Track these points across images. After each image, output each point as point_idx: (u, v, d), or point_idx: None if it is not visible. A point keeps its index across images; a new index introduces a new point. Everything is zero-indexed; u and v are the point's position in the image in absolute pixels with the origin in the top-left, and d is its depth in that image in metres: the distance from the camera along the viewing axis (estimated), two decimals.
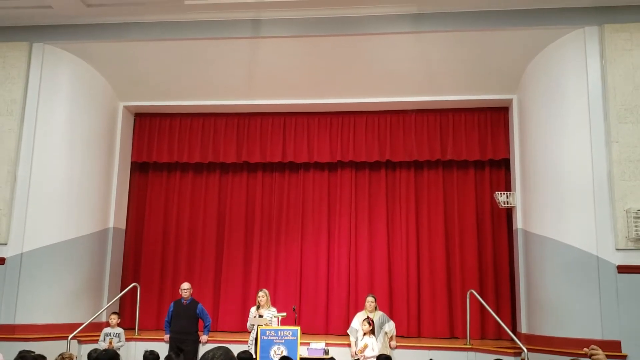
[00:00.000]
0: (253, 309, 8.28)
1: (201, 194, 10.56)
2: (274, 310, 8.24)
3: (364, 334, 7.84)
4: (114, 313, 8.64)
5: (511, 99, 9.31)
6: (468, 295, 8.80)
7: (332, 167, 10.37)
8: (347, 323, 8.85)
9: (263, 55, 9.06)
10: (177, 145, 10.36)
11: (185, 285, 8.69)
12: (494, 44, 8.57)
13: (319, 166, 10.36)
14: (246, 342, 8.17)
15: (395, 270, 9.89)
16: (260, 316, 8.05)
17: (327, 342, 8.50)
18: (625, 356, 7.34)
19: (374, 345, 7.72)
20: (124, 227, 10.32)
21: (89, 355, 5.22)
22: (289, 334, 7.50)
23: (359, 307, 9.09)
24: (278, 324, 8.02)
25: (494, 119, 9.80)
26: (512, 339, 8.15)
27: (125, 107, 10.20)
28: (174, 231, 10.46)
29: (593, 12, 8.23)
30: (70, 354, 6.78)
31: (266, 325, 7.77)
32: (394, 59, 8.92)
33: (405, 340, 8.95)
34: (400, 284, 9.80)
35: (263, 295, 8.24)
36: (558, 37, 8.38)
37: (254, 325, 7.98)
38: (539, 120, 8.55)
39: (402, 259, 9.87)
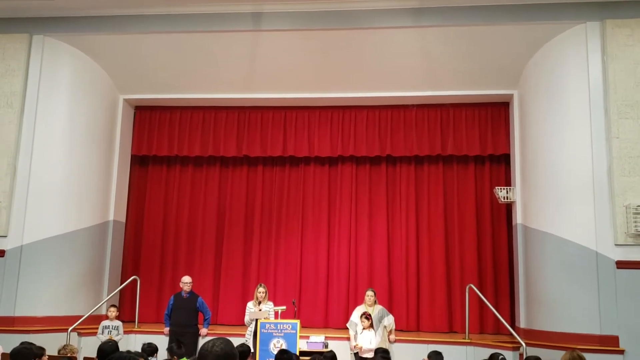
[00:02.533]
0: (251, 304, 8.28)
1: (201, 188, 10.56)
2: (270, 304, 8.27)
3: (363, 328, 7.85)
4: (113, 306, 8.65)
5: (512, 94, 9.30)
6: (467, 290, 8.82)
7: (332, 161, 10.37)
8: (347, 317, 8.87)
9: (264, 49, 9.04)
10: (177, 139, 10.35)
11: (187, 279, 8.69)
12: (495, 39, 8.55)
13: (320, 160, 10.36)
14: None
15: (394, 264, 9.91)
16: (260, 310, 8.07)
17: (327, 335, 8.53)
18: (622, 351, 7.38)
19: (372, 339, 7.73)
20: (124, 220, 10.33)
21: (102, 344, 5.28)
22: (289, 327, 7.52)
23: (359, 301, 9.12)
24: (278, 317, 8.05)
25: (494, 114, 9.80)
26: (511, 334, 8.20)
27: (126, 100, 10.18)
28: (174, 224, 10.47)
29: (595, 8, 8.22)
30: (72, 346, 6.82)
31: (266, 318, 7.79)
32: (395, 53, 8.90)
33: (404, 334, 8.97)
34: (399, 278, 9.82)
35: (263, 291, 8.25)
36: (559, 32, 8.36)
37: (253, 319, 7.99)
38: (539, 116, 8.55)
39: (402, 253, 9.89)
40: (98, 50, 9.35)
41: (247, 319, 8.19)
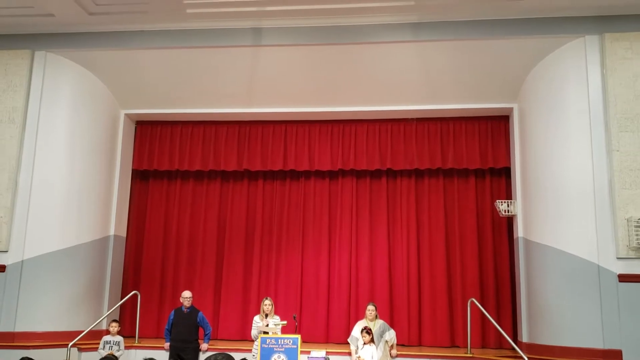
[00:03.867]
0: (257, 318, 8.25)
1: (202, 202, 10.55)
2: (277, 318, 8.23)
3: (364, 343, 7.81)
4: (114, 321, 8.62)
5: (512, 108, 9.33)
6: (469, 304, 8.78)
7: (333, 175, 10.37)
8: (348, 331, 8.82)
9: (264, 64, 9.09)
10: (178, 153, 10.37)
11: (187, 294, 8.66)
12: (494, 53, 8.59)
13: (320, 174, 10.36)
14: (247, 350, 8.15)
15: (395, 278, 9.87)
16: (267, 325, 8.03)
17: (328, 350, 8.45)
18: None
19: (373, 354, 7.69)
20: (124, 234, 10.32)
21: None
22: (290, 342, 7.47)
23: (360, 315, 9.08)
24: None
25: (494, 128, 9.81)
26: (513, 348, 8.13)
27: (127, 115, 10.22)
28: (174, 239, 10.45)
29: (593, 21, 8.27)
30: None
31: (274, 333, 7.75)
32: (394, 67, 8.95)
33: (406, 349, 8.92)
34: (401, 292, 9.77)
35: (269, 304, 8.22)
36: (558, 46, 8.41)
37: (261, 332, 7.95)
38: (539, 129, 8.57)
39: (403, 267, 9.85)
40: (99, 65, 9.40)
41: (254, 332, 8.12)
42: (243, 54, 8.96)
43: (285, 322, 8.18)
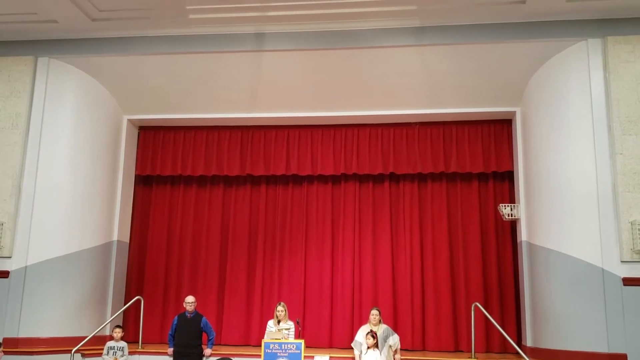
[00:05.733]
0: (271, 322, 8.27)
1: (205, 207, 10.56)
2: (290, 323, 8.24)
3: (368, 347, 7.79)
4: (118, 327, 8.62)
5: (514, 111, 9.32)
6: (473, 308, 8.76)
7: (335, 179, 10.37)
8: (352, 336, 8.82)
9: (266, 69, 9.10)
10: (180, 159, 10.38)
11: (190, 299, 8.66)
12: (497, 57, 8.59)
13: (323, 179, 10.36)
14: (250, 355, 8.14)
15: (399, 283, 9.85)
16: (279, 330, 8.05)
17: (332, 355, 8.47)
18: None
19: (377, 359, 7.66)
20: (127, 240, 10.32)
21: None
22: (293, 347, 7.47)
23: (363, 320, 9.06)
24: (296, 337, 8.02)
25: (497, 132, 9.81)
26: (518, 352, 8.12)
27: (130, 121, 10.24)
28: (177, 244, 10.45)
29: (596, 25, 8.26)
30: None
31: (284, 338, 7.75)
32: (397, 72, 8.95)
33: (410, 354, 8.89)
34: (404, 297, 9.75)
35: (282, 310, 8.23)
36: (561, 49, 8.40)
37: (272, 339, 7.95)
38: (542, 132, 8.56)
39: (406, 271, 9.83)
40: (102, 71, 9.43)
41: (266, 338, 8.14)
42: (245, 59, 8.98)
43: (289, 327, 8.19)
